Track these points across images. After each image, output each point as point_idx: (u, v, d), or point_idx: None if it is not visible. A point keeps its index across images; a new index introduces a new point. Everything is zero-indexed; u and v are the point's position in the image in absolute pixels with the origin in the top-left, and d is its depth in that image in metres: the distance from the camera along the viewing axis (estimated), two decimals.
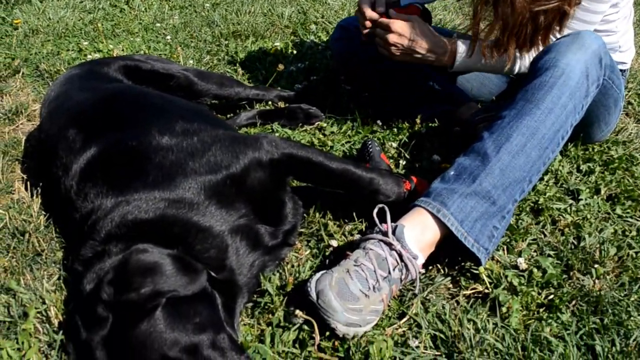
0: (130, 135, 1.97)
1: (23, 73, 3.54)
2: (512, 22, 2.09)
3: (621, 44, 2.37)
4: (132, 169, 1.87)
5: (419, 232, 1.83)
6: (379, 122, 2.75)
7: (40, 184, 2.29)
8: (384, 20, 2.37)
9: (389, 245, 1.77)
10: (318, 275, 1.71)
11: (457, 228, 1.82)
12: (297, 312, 1.66)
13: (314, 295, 1.66)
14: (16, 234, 2.12)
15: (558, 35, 2.18)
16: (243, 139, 1.96)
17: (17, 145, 2.71)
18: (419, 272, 1.79)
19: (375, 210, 1.87)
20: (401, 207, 1.93)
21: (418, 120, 2.66)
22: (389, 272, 1.73)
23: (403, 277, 1.76)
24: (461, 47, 2.35)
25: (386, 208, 1.85)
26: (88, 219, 1.80)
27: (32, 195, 2.31)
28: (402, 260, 1.76)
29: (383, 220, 1.83)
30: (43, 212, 2.21)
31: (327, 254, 1.99)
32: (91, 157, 1.96)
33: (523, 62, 2.35)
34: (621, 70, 2.41)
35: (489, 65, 2.34)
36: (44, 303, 1.81)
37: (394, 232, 1.79)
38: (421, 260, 1.82)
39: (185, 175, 1.81)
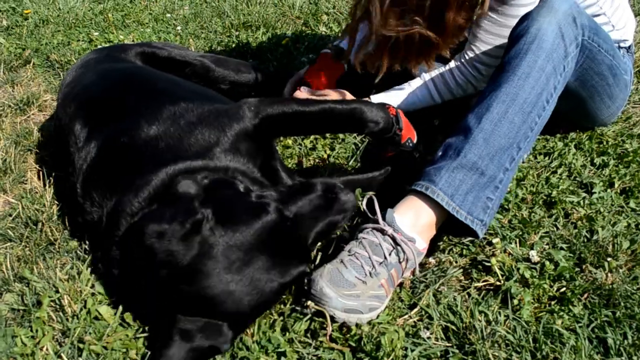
0: (122, 130, 1.98)
1: (34, 63, 3.55)
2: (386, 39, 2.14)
3: (614, 22, 2.34)
4: (128, 165, 1.89)
5: (413, 216, 1.84)
6: None
7: (53, 173, 2.31)
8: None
9: (381, 231, 1.79)
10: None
11: (448, 203, 1.82)
12: (309, 302, 1.67)
13: (305, 286, 1.69)
14: (29, 224, 2.13)
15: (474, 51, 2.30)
16: (225, 111, 1.96)
17: (29, 136, 2.72)
18: (417, 254, 1.80)
19: (365, 202, 1.89)
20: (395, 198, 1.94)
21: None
22: (385, 258, 1.74)
23: (402, 260, 1.77)
24: (376, 100, 2.46)
25: (374, 199, 1.87)
26: (101, 223, 1.83)
27: (44, 185, 2.32)
28: (397, 244, 1.77)
29: (374, 212, 1.85)
30: (56, 202, 2.22)
31: (338, 244, 1.99)
32: (91, 159, 1.98)
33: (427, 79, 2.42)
34: (625, 47, 2.40)
35: (411, 102, 2.45)
36: (57, 292, 1.82)
37: (384, 219, 1.81)
38: (421, 243, 1.83)
39: (175, 162, 1.81)
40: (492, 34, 2.24)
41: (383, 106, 2.07)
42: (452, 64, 2.39)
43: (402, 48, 2.18)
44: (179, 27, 4.04)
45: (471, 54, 2.32)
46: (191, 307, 1.57)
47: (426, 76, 2.43)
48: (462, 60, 2.36)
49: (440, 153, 1.94)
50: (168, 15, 4.29)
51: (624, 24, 2.37)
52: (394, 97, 2.45)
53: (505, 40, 2.14)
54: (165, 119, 1.97)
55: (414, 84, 2.44)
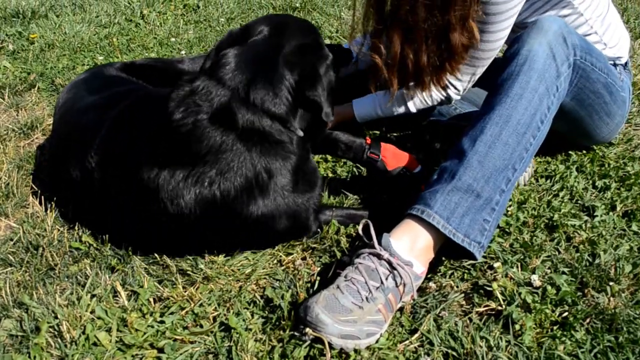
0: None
1: (39, 87, 3.58)
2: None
3: (606, 40, 2.35)
4: None
5: (409, 239, 1.84)
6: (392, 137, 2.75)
7: (55, 198, 2.31)
8: None
9: (377, 256, 1.78)
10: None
11: (444, 226, 1.82)
12: (307, 330, 1.65)
13: (302, 313, 1.68)
14: (30, 248, 2.13)
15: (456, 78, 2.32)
16: None
17: (32, 160, 2.73)
18: (414, 278, 1.80)
19: (361, 227, 1.89)
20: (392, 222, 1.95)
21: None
22: (382, 282, 1.73)
23: (399, 284, 1.76)
24: (356, 111, 2.56)
25: (370, 223, 1.86)
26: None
27: (46, 210, 2.32)
28: (393, 268, 1.76)
29: (370, 237, 1.84)
30: (57, 227, 2.22)
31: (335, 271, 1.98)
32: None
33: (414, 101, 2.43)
34: (620, 64, 2.41)
35: (387, 113, 2.49)
36: (56, 318, 1.82)
37: (380, 243, 1.80)
38: (419, 267, 1.82)
39: None
40: (467, 66, 2.26)
41: (359, 137, 2.37)
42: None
43: (410, 71, 2.22)
44: (183, 52, 4.06)
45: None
46: None
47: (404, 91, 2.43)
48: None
49: (435, 177, 1.94)
50: (173, 39, 4.32)
51: (616, 41, 2.38)
52: (371, 103, 2.51)
53: (480, 68, 2.25)
54: None
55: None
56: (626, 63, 2.44)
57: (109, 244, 2.12)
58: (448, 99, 2.39)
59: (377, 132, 2.83)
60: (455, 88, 2.33)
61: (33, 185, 2.56)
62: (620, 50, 2.39)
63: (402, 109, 2.44)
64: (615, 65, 2.36)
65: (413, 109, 2.43)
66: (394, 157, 2.30)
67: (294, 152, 1.99)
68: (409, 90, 2.36)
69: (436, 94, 2.36)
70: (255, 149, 1.90)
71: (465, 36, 2.11)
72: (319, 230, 2.13)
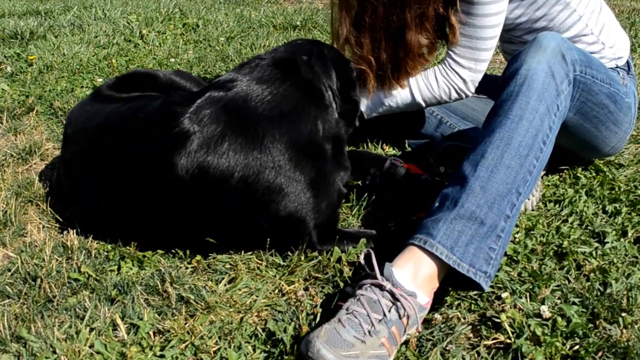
0: None
1: (37, 111, 3.54)
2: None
3: (603, 40, 2.35)
4: None
5: (412, 269, 1.79)
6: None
7: (54, 226, 2.27)
8: None
9: (380, 286, 1.73)
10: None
11: (448, 256, 1.77)
12: None
13: (303, 348, 1.63)
14: (28, 279, 2.09)
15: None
16: None
17: (30, 186, 2.68)
18: (418, 309, 1.74)
19: (362, 256, 1.85)
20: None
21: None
22: (384, 314, 1.68)
23: (402, 316, 1.71)
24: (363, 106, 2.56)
25: (372, 253, 1.82)
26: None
27: (44, 239, 2.28)
28: (396, 299, 1.71)
29: (372, 267, 1.80)
30: (55, 257, 2.18)
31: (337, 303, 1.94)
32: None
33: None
34: (622, 67, 2.40)
35: (394, 103, 2.54)
36: (54, 352, 1.77)
37: (382, 274, 1.76)
38: (423, 298, 1.77)
39: None
40: (466, 47, 2.32)
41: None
42: (436, 68, 2.46)
43: (374, 68, 2.39)
44: None
45: (450, 60, 2.39)
46: None
47: (411, 79, 2.48)
48: (444, 64, 2.43)
49: (436, 204, 1.90)
50: (172, 60, 4.30)
51: (613, 41, 2.37)
52: (377, 100, 2.53)
53: (480, 51, 2.31)
54: None
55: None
56: (629, 66, 2.42)
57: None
58: (460, 91, 2.44)
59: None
60: (460, 76, 2.38)
61: (31, 213, 2.52)
62: (620, 50, 2.39)
63: (406, 97, 2.50)
64: (616, 67, 2.35)
65: (419, 98, 2.48)
66: (415, 168, 2.40)
67: (337, 122, 2.19)
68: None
69: (442, 82, 2.42)
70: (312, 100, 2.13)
71: (424, 36, 2.26)
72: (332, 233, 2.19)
